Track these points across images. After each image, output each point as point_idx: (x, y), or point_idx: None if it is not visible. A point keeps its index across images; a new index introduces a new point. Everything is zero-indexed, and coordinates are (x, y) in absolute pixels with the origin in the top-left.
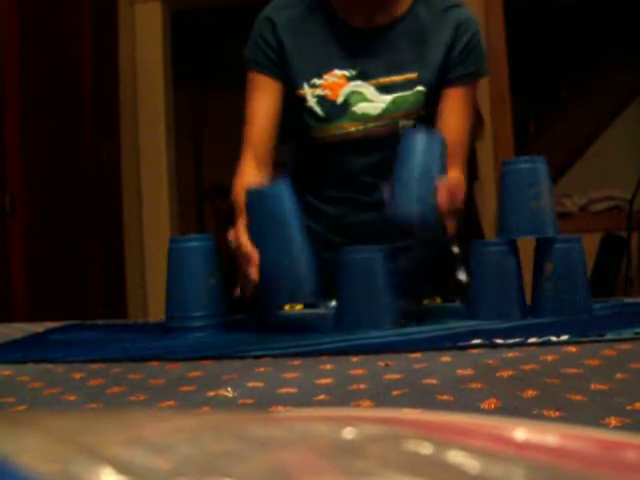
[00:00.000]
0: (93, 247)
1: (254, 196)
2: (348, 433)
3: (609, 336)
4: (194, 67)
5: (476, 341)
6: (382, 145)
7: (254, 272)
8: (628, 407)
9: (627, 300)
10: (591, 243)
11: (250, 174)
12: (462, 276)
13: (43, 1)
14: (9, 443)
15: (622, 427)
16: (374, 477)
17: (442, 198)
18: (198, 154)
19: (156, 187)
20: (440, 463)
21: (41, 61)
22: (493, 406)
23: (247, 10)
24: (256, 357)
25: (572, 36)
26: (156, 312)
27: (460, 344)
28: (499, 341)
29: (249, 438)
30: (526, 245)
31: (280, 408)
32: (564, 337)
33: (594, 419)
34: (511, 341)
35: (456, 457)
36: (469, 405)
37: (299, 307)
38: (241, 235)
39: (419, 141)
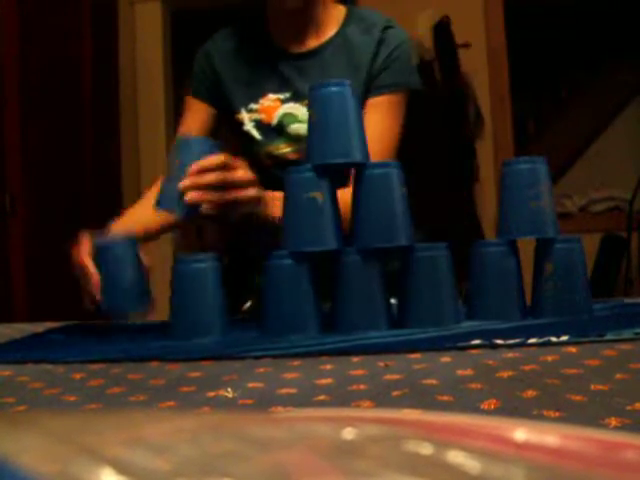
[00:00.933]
0: None
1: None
2: (348, 433)
3: (609, 336)
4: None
5: (476, 342)
6: None
7: (97, 294)
8: (628, 407)
9: (627, 300)
10: (591, 243)
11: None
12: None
13: (43, 1)
14: (9, 443)
15: (622, 427)
16: (374, 477)
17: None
18: None
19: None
20: (440, 463)
21: (41, 61)
22: (493, 406)
23: (247, 11)
24: (256, 357)
25: (572, 36)
26: (156, 312)
27: (460, 345)
28: (499, 342)
29: (249, 438)
30: (526, 245)
31: (280, 408)
32: (564, 337)
33: (594, 419)
34: (511, 342)
35: (456, 457)
36: (469, 405)
37: None
38: (84, 255)
39: (191, 144)
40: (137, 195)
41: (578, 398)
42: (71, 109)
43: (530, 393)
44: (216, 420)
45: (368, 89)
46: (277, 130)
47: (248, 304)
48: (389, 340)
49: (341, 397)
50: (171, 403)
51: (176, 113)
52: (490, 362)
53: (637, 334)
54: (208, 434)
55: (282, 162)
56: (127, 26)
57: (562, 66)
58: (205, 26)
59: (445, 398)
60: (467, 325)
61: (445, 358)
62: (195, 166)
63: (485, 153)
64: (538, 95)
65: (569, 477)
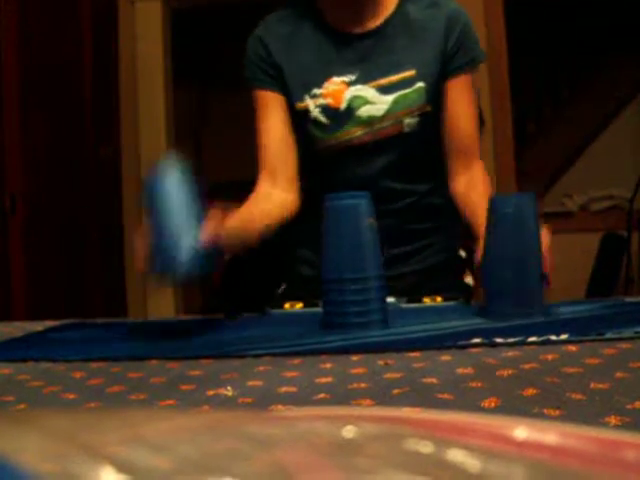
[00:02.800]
0: (93, 247)
1: (146, 185)
2: (348, 432)
3: (609, 335)
4: (194, 67)
5: (476, 340)
6: (391, 146)
7: (141, 265)
8: (628, 406)
9: (627, 299)
10: (591, 242)
11: (260, 193)
12: (469, 279)
13: (43, 1)
14: (9, 442)
15: (622, 426)
16: (374, 476)
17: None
18: (198, 154)
19: None
20: (440, 462)
21: (41, 61)
22: (493, 405)
23: (247, 9)
24: (256, 356)
25: (572, 36)
26: (156, 311)
27: (460, 343)
28: (499, 340)
29: (249, 437)
30: None
31: (280, 407)
32: (564, 336)
33: (594, 418)
34: (511, 340)
35: (456, 456)
36: (469, 404)
37: (299, 305)
38: (138, 234)
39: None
40: (137, 194)
41: (578, 397)
42: (71, 109)
43: (530, 392)
44: (216, 419)
45: (442, 67)
46: (346, 114)
47: (283, 287)
48: (389, 339)
49: (341, 395)
50: (171, 402)
51: (176, 113)
52: (490, 361)
53: (637, 333)
54: (208, 433)
55: (354, 147)
56: (127, 25)
57: (562, 66)
58: (205, 25)
59: (445, 396)
60: (467, 323)
61: (445, 357)
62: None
63: (485, 153)
64: (538, 95)
65: (569, 475)
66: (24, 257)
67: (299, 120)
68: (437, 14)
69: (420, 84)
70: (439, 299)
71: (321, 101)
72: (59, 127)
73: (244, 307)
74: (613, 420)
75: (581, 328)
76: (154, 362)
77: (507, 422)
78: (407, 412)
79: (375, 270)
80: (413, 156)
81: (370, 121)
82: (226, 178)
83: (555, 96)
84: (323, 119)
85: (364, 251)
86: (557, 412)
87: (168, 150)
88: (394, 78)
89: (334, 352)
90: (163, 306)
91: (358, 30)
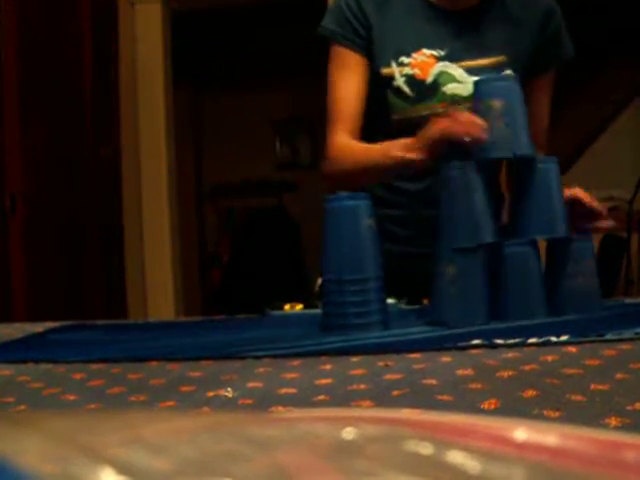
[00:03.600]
0: (93, 247)
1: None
2: (348, 433)
3: (609, 336)
4: (193, 68)
5: (476, 341)
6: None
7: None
8: (628, 407)
9: (627, 300)
10: None
11: (344, 141)
12: None
13: (43, 1)
14: (9, 443)
15: (622, 427)
16: (374, 477)
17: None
18: (198, 154)
19: (156, 187)
20: (440, 463)
21: (41, 61)
22: (493, 406)
23: (245, 13)
24: (256, 357)
25: (572, 36)
26: (156, 312)
27: (460, 344)
28: (499, 341)
29: (249, 438)
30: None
31: (280, 408)
32: (564, 337)
33: (594, 419)
34: (511, 341)
35: (456, 457)
36: (469, 405)
37: (299, 307)
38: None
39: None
40: (137, 195)
41: (578, 398)
42: (71, 109)
43: (530, 393)
44: (216, 420)
45: (534, 59)
46: (432, 88)
47: (319, 281)
48: (389, 340)
49: (341, 397)
50: (171, 403)
51: (176, 113)
52: (490, 362)
53: (637, 334)
54: (208, 434)
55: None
56: (127, 26)
57: (562, 66)
58: (205, 27)
59: (445, 398)
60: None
61: (445, 358)
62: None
63: None
64: None
65: (569, 477)
66: (24, 257)
67: (380, 86)
68: (534, 7)
69: (509, 71)
70: None
71: (407, 70)
72: (59, 127)
73: (244, 307)
74: (613, 421)
75: (581, 329)
76: (154, 363)
77: (507, 423)
78: (407, 413)
79: (374, 271)
80: None
81: (454, 100)
82: (226, 179)
83: (555, 96)
84: (407, 89)
85: (363, 252)
86: (557, 413)
87: (168, 150)
88: (483, 62)
89: (334, 353)
90: (163, 307)
91: (453, 7)
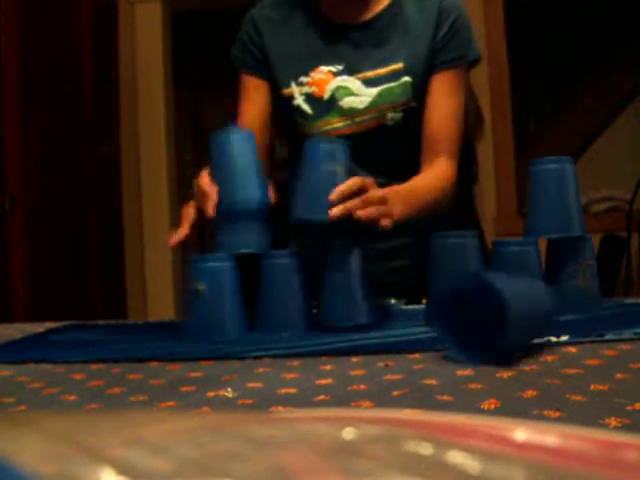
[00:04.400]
0: (93, 247)
1: (212, 141)
2: (348, 433)
3: (609, 336)
4: (193, 68)
5: None
6: (373, 139)
7: (210, 207)
8: (628, 407)
9: (627, 300)
10: None
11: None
12: None
13: (43, 1)
14: (9, 443)
15: (622, 427)
16: (374, 478)
17: (335, 194)
18: (199, 154)
19: (156, 187)
20: (440, 463)
21: (41, 61)
22: (493, 406)
23: (246, 13)
24: (256, 358)
25: (572, 36)
26: (156, 312)
27: None
28: None
29: (249, 438)
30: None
31: (280, 408)
32: (564, 337)
33: (594, 419)
34: None
35: (456, 457)
36: (469, 405)
37: None
38: (201, 178)
39: (320, 150)
40: (137, 195)
41: (578, 398)
42: (71, 109)
43: (530, 393)
44: (216, 420)
45: (430, 62)
46: (329, 104)
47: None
48: (389, 340)
49: (341, 397)
50: (171, 403)
51: (176, 113)
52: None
53: (637, 334)
54: (208, 434)
55: (334, 137)
56: (127, 26)
57: (562, 66)
58: (204, 27)
59: (445, 398)
60: None
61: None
62: (337, 194)
63: (485, 153)
64: (538, 95)
65: (569, 477)
66: (24, 257)
67: (285, 106)
68: (430, 7)
69: (407, 78)
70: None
71: (306, 89)
72: (59, 127)
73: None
74: (613, 421)
75: (581, 329)
76: (154, 364)
77: (507, 424)
78: (407, 414)
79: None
80: (397, 151)
81: (352, 113)
82: None
83: (555, 96)
84: (306, 107)
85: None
86: (557, 414)
87: (168, 150)
88: (381, 71)
89: (334, 354)
90: (163, 308)
91: (350, 21)
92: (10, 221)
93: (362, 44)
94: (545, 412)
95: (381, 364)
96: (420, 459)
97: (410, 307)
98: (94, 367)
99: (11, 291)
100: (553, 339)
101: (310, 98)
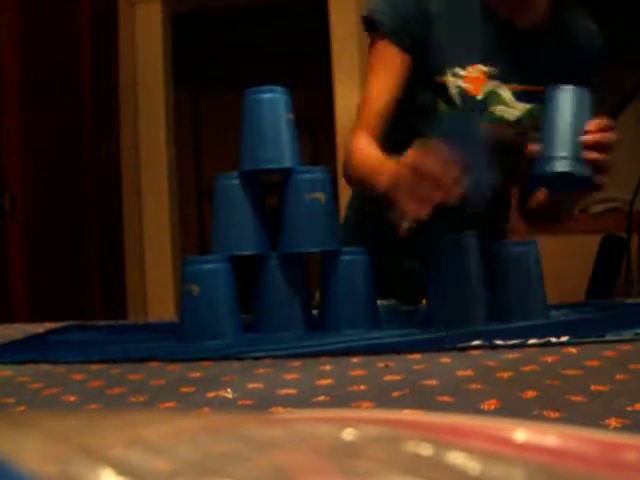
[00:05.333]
0: (93, 247)
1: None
2: (348, 434)
3: (609, 337)
4: (193, 68)
5: (476, 342)
6: (508, 152)
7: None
8: (628, 408)
9: (627, 301)
10: (591, 245)
11: (369, 146)
12: None
13: (43, 1)
14: (9, 443)
15: (622, 428)
16: (374, 478)
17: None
18: (198, 154)
19: (156, 187)
20: (440, 464)
21: (41, 61)
22: (493, 407)
23: (246, 13)
24: (256, 358)
25: None
26: (156, 312)
27: (460, 345)
28: (499, 342)
29: (249, 439)
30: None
31: (280, 409)
32: (564, 338)
33: (594, 420)
34: (511, 342)
35: (456, 458)
36: (469, 406)
37: None
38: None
39: (567, 97)
40: (137, 195)
41: (578, 399)
42: (71, 109)
43: (530, 394)
44: (216, 421)
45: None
46: (481, 106)
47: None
48: (389, 340)
49: (341, 398)
50: (171, 404)
51: (176, 113)
52: (490, 363)
53: (637, 334)
54: (208, 435)
55: None
56: (127, 27)
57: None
58: (204, 27)
59: (445, 399)
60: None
61: (445, 359)
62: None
63: None
64: None
65: (569, 478)
66: (24, 257)
67: (432, 92)
68: (592, 42)
69: None
70: None
71: (460, 83)
72: (59, 127)
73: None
74: (613, 422)
75: (581, 330)
76: (154, 364)
77: (507, 424)
78: (407, 414)
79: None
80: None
81: (499, 121)
82: None
83: None
84: (459, 102)
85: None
86: (557, 414)
87: (168, 150)
88: (530, 88)
89: (334, 354)
90: (163, 307)
91: (514, 19)
92: (10, 221)
93: (519, 51)
94: (545, 413)
95: (381, 364)
96: (420, 460)
97: (409, 308)
98: (94, 367)
99: (11, 291)
100: (553, 339)
101: (463, 94)
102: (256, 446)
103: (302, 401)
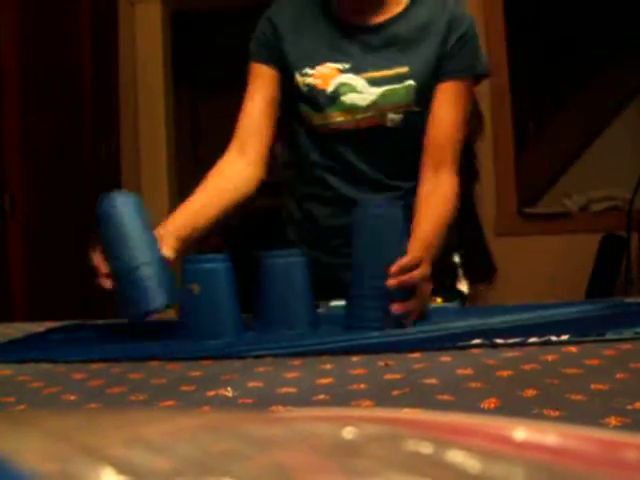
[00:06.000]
0: None
1: (100, 208)
2: (348, 433)
3: (609, 336)
4: (193, 68)
5: (476, 341)
6: (373, 137)
7: (103, 282)
8: (628, 407)
9: (627, 300)
10: (591, 243)
11: (226, 161)
12: (462, 286)
13: (43, 1)
14: (9, 443)
15: (622, 427)
16: (374, 477)
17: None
18: (198, 154)
19: (156, 187)
20: (440, 463)
21: (41, 61)
22: (493, 406)
23: (245, 13)
24: (256, 357)
25: (572, 36)
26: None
27: (460, 344)
28: (499, 341)
29: (249, 438)
30: None
31: (280, 408)
32: (564, 337)
33: (594, 419)
34: (511, 341)
35: (456, 457)
36: (469, 405)
37: None
38: (91, 250)
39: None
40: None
41: (578, 397)
42: (71, 109)
43: (530, 392)
44: (216, 419)
45: (436, 70)
46: (331, 98)
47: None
48: (389, 339)
49: (341, 396)
50: (171, 402)
51: (176, 113)
52: (490, 361)
53: (637, 334)
54: (208, 433)
55: (336, 132)
56: (127, 26)
57: (562, 66)
58: (205, 27)
59: (445, 397)
60: (467, 325)
61: (445, 357)
62: (396, 267)
63: (485, 153)
64: (538, 95)
65: (569, 476)
66: (24, 257)
67: (294, 96)
68: (441, 16)
69: (410, 82)
70: (439, 300)
71: (310, 80)
72: (59, 127)
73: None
74: (613, 421)
75: (581, 329)
76: (154, 363)
77: (507, 423)
78: (407, 413)
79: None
80: (397, 152)
81: (352, 109)
82: None
83: (555, 96)
84: (309, 98)
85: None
86: (557, 413)
87: (168, 150)
88: (387, 73)
89: (334, 353)
90: None
91: (362, 23)
92: (10, 221)
93: (370, 45)
94: (545, 411)
95: (381, 363)
96: (420, 458)
97: None
98: (94, 367)
99: (11, 291)
100: (553, 338)
101: (313, 90)
102: (256, 445)
103: (302, 400)
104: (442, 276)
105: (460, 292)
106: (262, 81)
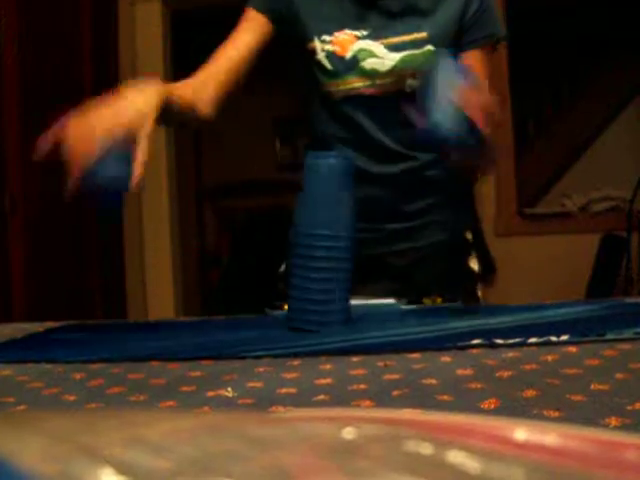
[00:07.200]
0: (93, 247)
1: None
2: (348, 433)
3: (609, 336)
4: (193, 68)
5: (476, 341)
6: (391, 103)
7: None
8: (628, 407)
9: (627, 300)
10: (591, 243)
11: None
12: (474, 265)
13: (43, 1)
14: (9, 443)
15: (622, 427)
16: (374, 477)
17: (466, 101)
18: (198, 154)
19: (156, 187)
20: (440, 463)
21: (41, 61)
22: (493, 406)
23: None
24: (256, 357)
25: (572, 36)
26: (156, 312)
27: (460, 344)
28: (499, 341)
29: (249, 438)
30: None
31: (280, 408)
32: (564, 337)
33: (594, 419)
34: (511, 341)
35: (456, 457)
36: (469, 405)
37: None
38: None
39: (445, 65)
40: (137, 195)
41: (578, 398)
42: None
43: (530, 393)
44: (216, 420)
45: (456, 38)
46: (350, 64)
47: (283, 267)
48: (389, 340)
49: (341, 397)
50: (171, 403)
51: None
52: (490, 362)
53: (637, 334)
54: (208, 434)
55: (354, 97)
56: (127, 26)
57: (562, 66)
58: (205, 26)
59: (445, 398)
60: (467, 325)
61: (445, 358)
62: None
63: None
64: (538, 95)
65: (569, 477)
66: (24, 257)
67: (306, 59)
68: None
69: (430, 47)
70: (439, 300)
71: (328, 47)
72: None
73: (244, 307)
74: (613, 421)
75: (581, 329)
76: (154, 363)
77: (507, 423)
78: (407, 413)
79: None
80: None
81: (372, 74)
82: (226, 179)
83: (555, 96)
84: (327, 64)
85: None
86: (557, 413)
87: (168, 150)
88: (405, 38)
89: (334, 353)
90: (163, 307)
91: None
92: (10, 221)
93: (389, 12)
94: (545, 412)
95: (381, 364)
96: (420, 459)
97: (409, 307)
98: (94, 367)
99: (11, 291)
100: (553, 338)
101: (332, 56)
102: (256, 445)
103: (302, 400)
104: (453, 251)
105: (471, 270)
106: (252, 27)
